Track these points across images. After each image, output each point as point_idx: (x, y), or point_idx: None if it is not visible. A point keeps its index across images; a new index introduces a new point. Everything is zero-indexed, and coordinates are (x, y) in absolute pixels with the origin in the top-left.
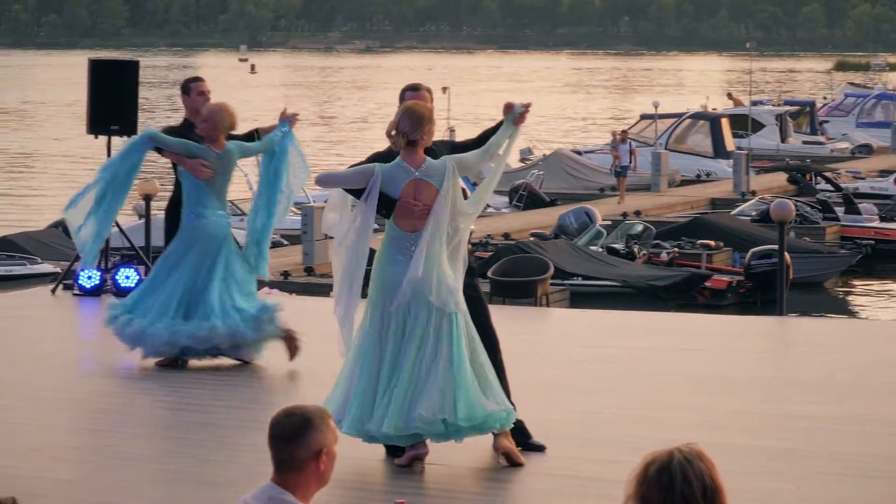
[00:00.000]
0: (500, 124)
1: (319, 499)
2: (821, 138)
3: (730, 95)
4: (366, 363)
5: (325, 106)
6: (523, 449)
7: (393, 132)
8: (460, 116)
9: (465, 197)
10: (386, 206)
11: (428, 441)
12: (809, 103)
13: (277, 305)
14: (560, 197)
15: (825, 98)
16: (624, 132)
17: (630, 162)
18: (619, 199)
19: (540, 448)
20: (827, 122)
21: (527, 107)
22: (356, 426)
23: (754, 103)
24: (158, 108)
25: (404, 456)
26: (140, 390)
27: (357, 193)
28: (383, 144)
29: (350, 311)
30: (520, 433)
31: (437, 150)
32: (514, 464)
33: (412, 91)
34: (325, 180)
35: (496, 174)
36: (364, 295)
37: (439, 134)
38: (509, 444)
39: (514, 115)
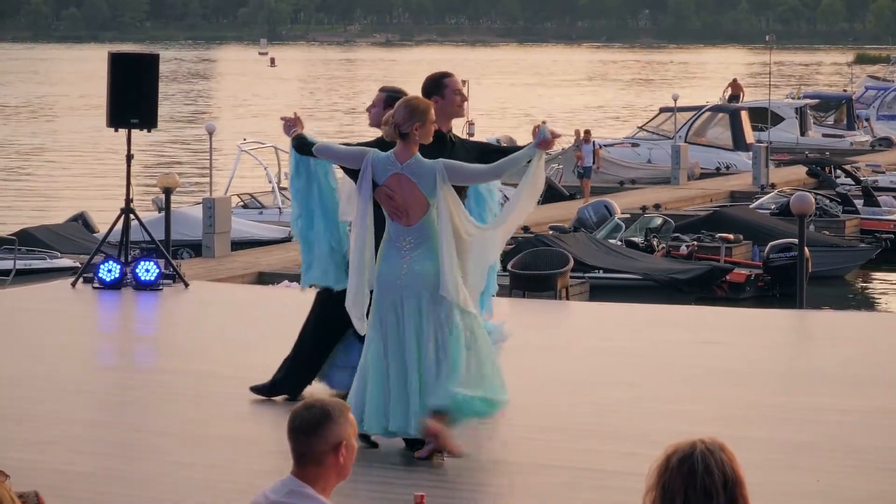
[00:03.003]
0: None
1: (339, 491)
2: (856, 132)
3: (735, 82)
4: (373, 363)
5: (347, 99)
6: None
7: (387, 122)
8: (479, 109)
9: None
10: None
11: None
12: (846, 97)
13: None
14: (578, 190)
15: (845, 91)
16: (587, 132)
17: (594, 162)
18: (584, 201)
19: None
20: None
21: (554, 134)
22: (374, 425)
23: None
24: (178, 102)
25: (423, 448)
26: (160, 384)
27: (351, 173)
28: None
29: (357, 301)
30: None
31: (458, 147)
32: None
33: (447, 77)
34: (321, 151)
35: (518, 202)
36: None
37: (458, 130)
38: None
39: (540, 138)
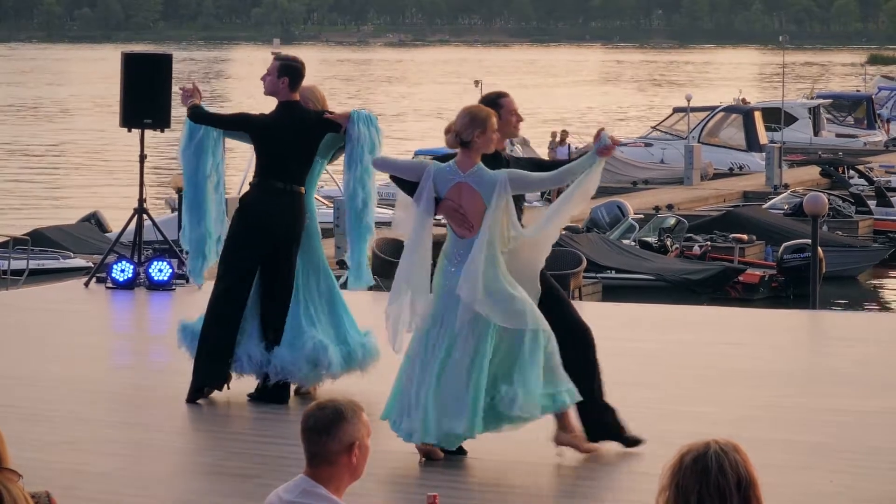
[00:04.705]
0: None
1: (352, 491)
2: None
3: (744, 101)
4: (405, 367)
5: (360, 99)
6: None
7: (448, 130)
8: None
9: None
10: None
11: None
12: (866, 97)
13: None
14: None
15: (858, 91)
16: (564, 132)
17: None
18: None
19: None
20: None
21: (614, 140)
22: (394, 425)
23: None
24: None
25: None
26: (173, 384)
27: (407, 186)
28: (419, 139)
29: (401, 312)
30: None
31: (514, 165)
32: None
33: (503, 97)
34: (379, 164)
35: (569, 202)
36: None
37: None
38: (568, 437)
39: (600, 145)
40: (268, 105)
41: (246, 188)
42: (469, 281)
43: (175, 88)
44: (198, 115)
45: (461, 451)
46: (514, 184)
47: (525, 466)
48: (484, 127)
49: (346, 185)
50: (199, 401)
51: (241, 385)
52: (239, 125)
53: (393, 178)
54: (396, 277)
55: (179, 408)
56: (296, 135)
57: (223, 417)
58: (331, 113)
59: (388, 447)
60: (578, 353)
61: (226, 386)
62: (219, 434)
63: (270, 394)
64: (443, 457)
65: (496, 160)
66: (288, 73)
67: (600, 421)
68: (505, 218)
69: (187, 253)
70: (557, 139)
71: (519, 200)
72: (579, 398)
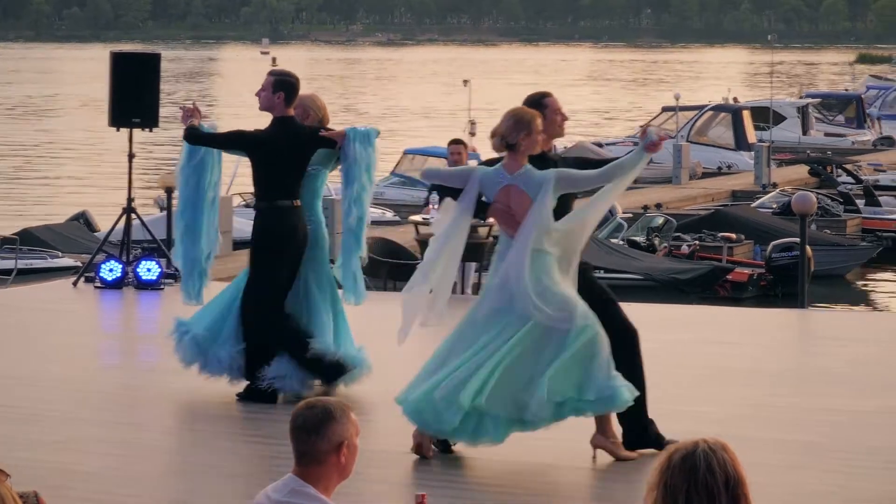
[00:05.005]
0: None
1: (340, 491)
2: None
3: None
4: (441, 349)
5: (349, 98)
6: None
7: (494, 134)
8: (482, 109)
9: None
10: (479, 208)
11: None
12: (856, 96)
13: None
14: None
15: (846, 90)
16: None
17: None
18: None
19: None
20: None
21: (661, 136)
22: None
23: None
24: (179, 101)
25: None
26: (162, 383)
27: (456, 194)
28: (408, 138)
29: (418, 304)
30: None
31: (558, 163)
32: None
33: (547, 97)
34: (428, 175)
35: (606, 198)
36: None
37: (457, 130)
38: (606, 441)
39: (647, 141)
40: (253, 107)
41: (235, 188)
42: (514, 276)
43: (168, 93)
44: (194, 137)
45: (448, 450)
46: (562, 183)
47: (519, 466)
48: (529, 129)
49: (342, 204)
50: (192, 401)
51: (227, 387)
52: (234, 143)
53: (438, 187)
54: (420, 268)
55: (169, 407)
56: (291, 150)
57: (213, 417)
58: (327, 129)
59: (378, 447)
60: (625, 354)
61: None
62: (209, 433)
63: (259, 394)
64: (432, 455)
65: (543, 161)
66: (283, 88)
67: (643, 431)
68: (549, 217)
69: (178, 270)
70: None
71: (569, 198)
72: (627, 401)
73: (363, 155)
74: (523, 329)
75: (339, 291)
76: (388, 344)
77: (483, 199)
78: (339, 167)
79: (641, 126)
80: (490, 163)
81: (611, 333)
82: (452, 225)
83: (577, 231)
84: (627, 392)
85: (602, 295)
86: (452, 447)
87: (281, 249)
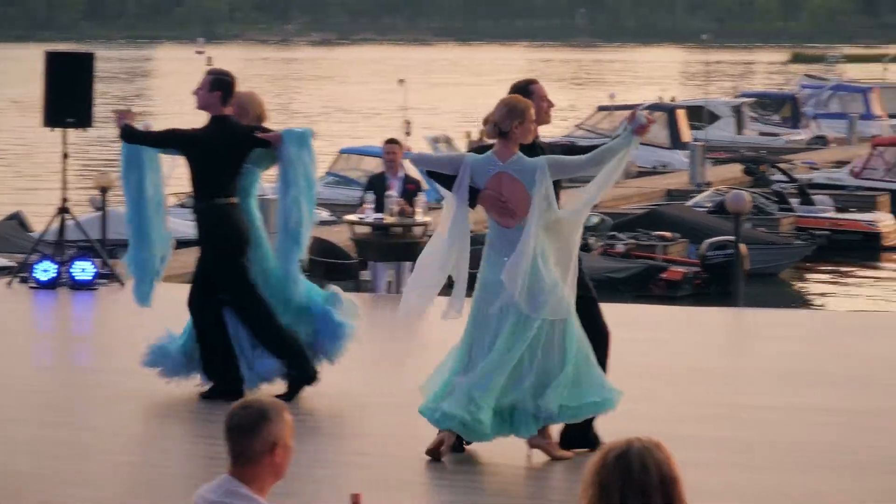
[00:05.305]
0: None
1: (275, 491)
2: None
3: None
4: (454, 356)
5: (285, 98)
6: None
7: (487, 121)
8: (417, 108)
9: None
10: (471, 196)
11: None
12: (791, 96)
13: None
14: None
15: (781, 90)
16: (482, 132)
17: None
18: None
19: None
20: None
21: (650, 119)
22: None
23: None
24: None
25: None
26: (98, 383)
27: (445, 181)
28: (345, 138)
29: (422, 300)
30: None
31: (546, 149)
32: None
33: (533, 84)
34: (417, 160)
35: (604, 182)
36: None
37: (393, 130)
38: (540, 440)
39: (636, 124)
40: (189, 106)
41: (171, 188)
42: (513, 274)
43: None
44: (129, 135)
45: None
46: (553, 169)
47: (450, 465)
48: (523, 117)
49: (279, 207)
50: (130, 401)
51: (167, 386)
52: (169, 141)
53: (429, 172)
54: (422, 265)
55: (105, 407)
56: (227, 149)
57: (151, 417)
58: (263, 130)
59: (317, 446)
60: (598, 355)
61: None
62: (146, 434)
63: (222, 391)
64: (444, 455)
65: (531, 148)
66: (220, 86)
67: (584, 431)
68: (551, 203)
69: (131, 275)
70: (474, 138)
71: (557, 183)
72: (616, 404)
73: (299, 157)
74: (535, 326)
75: None
76: None
77: (472, 185)
78: (277, 168)
79: (628, 110)
80: (479, 150)
81: (588, 332)
82: (457, 218)
83: (576, 222)
84: (617, 395)
85: (587, 293)
86: (465, 447)
87: (240, 246)
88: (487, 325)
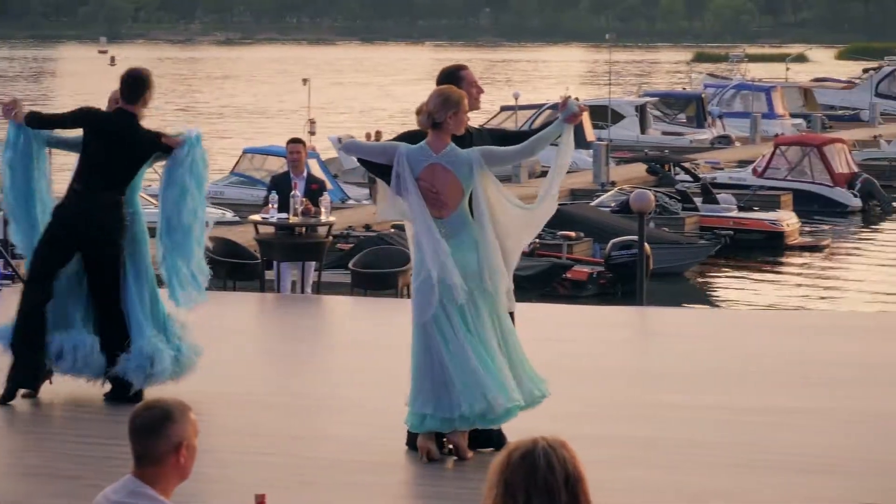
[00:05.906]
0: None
1: (179, 492)
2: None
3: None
4: (425, 357)
5: (188, 98)
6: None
7: (420, 111)
8: (319, 108)
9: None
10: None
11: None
12: (696, 95)
13: None
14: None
15: (684, 89)
16: (378, 132)
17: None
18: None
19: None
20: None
21: (581, 108)
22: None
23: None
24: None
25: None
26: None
27: (377, 169)
28: (247, 138)
29: (428, 293)
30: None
31: (476, 137)
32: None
33: (463, 70)
34: (350, 148)
35: (555, 177)
36: None
37: (297, 129)
38: (460, 438)
39: (568, 113)
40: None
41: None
42: (489, 268)
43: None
44: (36, 120)
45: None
46: (486, 160)
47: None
48: (457, 108)
49: (162, 203)
50: (13, 402)
51: (61, 387)
52: (79, 120)
53: (361, 160)
54: (421, 261)
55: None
56: (127, 147)
57: (45, 418)
58: (166, 137)
59: (221, 446)
60: None
61: (48, 382)
62: (42, 435)
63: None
64: (438, 456)
65: (462, 137)
66: (137, 84)
67: (488, 432)
68: (494, 191)
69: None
70: (372, 139)
71: None
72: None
73: (190, 158)
74: (492, 317)
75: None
76: (229, 344)
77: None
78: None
79: (561, 97)
80: (410, 139)
81: None
82: (419, 212)
83: (534, 221)
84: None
85: None
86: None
87: (77, 233)
88: (453, 327)
